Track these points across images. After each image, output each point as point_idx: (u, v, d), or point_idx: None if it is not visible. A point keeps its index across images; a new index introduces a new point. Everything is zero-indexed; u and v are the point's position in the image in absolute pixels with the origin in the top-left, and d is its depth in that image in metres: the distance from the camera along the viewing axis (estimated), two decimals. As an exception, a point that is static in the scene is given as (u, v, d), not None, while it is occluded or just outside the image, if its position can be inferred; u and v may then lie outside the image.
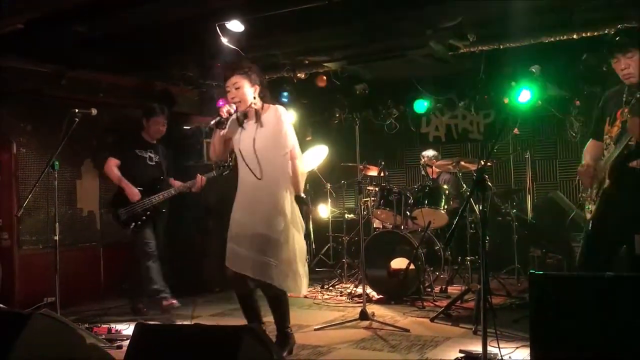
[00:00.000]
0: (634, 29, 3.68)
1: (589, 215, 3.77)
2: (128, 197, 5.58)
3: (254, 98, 4.03)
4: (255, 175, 3.97)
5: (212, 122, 4.03)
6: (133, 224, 5.58)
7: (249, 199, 4.03)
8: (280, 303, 4.11)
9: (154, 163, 5.80)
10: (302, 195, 4.10)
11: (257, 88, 4.04)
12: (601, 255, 3.67)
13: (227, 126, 4.06)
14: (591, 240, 3.76)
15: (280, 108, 4.10)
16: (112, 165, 5.68)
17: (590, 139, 3.94)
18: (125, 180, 5.61)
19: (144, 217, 5.58)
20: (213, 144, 4.19)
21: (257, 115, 4.04)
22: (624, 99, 3.63)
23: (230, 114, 4.02)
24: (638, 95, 3.50)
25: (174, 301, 5.54)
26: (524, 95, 6.59)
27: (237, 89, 3.99)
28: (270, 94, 4.20)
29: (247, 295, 4.14)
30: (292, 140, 4.06)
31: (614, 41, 3.63)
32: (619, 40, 3.61)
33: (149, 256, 5.61)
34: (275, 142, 3.99)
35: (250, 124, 4.08)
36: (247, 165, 4.00)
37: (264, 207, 3.95)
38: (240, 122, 4.09)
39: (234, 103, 4.01)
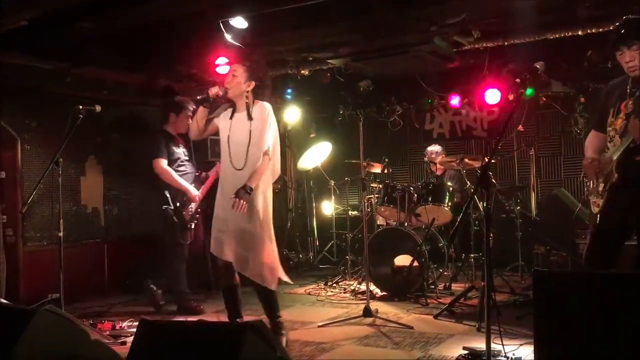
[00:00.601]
0: (638, 21, 3.65)
1: (596, 209, 3.75)
2: (190, 199, 5.50)
3: (246, 92, 4.12)
4: (234, 166, 4.08)
5: (199, 97, 4.14)
6: (191, 224, 5.54)
7: (228, 192, 4.09)
8: (268, 293, 4.19)
9: (187, 158, 5.71)
10: (250, 187, 4.00)
11: (253, 84, 4.12)
12: (609, 248, 3.67)
13: (210, 107, 4.17)
14: (599, 234, 3.74)
15: (266, 105, 4.18)
16: (164, 165, 5.45)
17: (592, 130, 3.93)
18: (182, 181, 5.48)
19: (197, 216, 5.57)
20: (195, 119, 4.26)
21: (248, 109, 4.13)
22: (627, 91, 3.62)
23: (218, 95, 4.12)
24: None
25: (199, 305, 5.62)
26: (527, 92, 6.56)
27: (233, 76, 4.12)
28: (270, 94, 4.27)
29: (233, 288, 4.24)
30: (272, 140, 4.12)
31: (619, 34, 3.62)
32: (624, 32, 3.60)
33: (184, 258, 5.60)
34: (258, 137, 4.08)
35: (241, 117, 4.16)
36: (230, 156, 4.11)
37: (248, 202, 4.00)
38: (230, 113, 4.19)
39: (226, 88, 4.12)
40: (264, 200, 4.14)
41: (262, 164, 4.08)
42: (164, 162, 5.47)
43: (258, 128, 4.09)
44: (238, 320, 4.24)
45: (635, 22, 3.64)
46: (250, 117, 4.11)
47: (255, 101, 4.17)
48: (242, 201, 3.92)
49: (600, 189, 3.71)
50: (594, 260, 3.71)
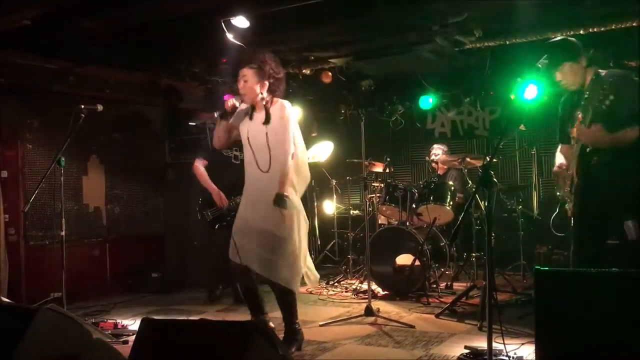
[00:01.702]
0: (558, 42, 3.96)
1: (570, 213, 3.87)
2: (215, 201, 5.66)
3: (261, 93, 4.05)
4: (260, 169, 4.01)
5: (217, 114, 4.16)
6: (218, 224, 5.70)
7: (257, 195, 4.04)
8: (287, 299, 4.12)
9: (239, 162, 5.65)
10: (284, 193, 3.93)
11: (266, 84, 4.05)
12: (591, 249, 3.75)
13: (231, 118, 4.13)
14: (577, 236, 3.84)
15: (285, 103, 4.11)
16: (198, 167, 5.71)
17: (560, 144, 4.06)
18: (212, 185, 5.64)
19: (229, 218, 5.50)
20: (217, 133, 4.24)
21: (266, 109, 4.05)
22: (575, 101, 3.81)
23: (235, 107, 4.08)
24: (585, 96, 3.66)
25: None
26: (531, 91, 6.55)
27: (245, 81, 4.04)
28: (284, 87, 4.22)
29: (252, 288, 4.16)
30: (297, 138, 4.08)
31: (547, 58, 3.80)
32: (547, 57, 3.79)
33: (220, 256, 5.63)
34: (277, 138, 4.00)
35: (258, 117, 4.10)
36: (255, 158, 4.03)
37: (268, 204, 3.93)
38: (249, 114, 4.12)
39: (241, 94, 4.06)
40: (296, 209, 4.03)
41: (289, 167, 3.98)
42: (198, 163, 5.73)
43: (278, 128, 4.00)
44: (262, 316, 4.17)
45: (556, 43, 3.92)
46: (267, 118, 4.02)
47: (275, 99, 4.10)
48: (282, 209, 3.87)
49: (568, 192, 3.85)
50: (579, 260, 3.79)
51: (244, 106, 4.14)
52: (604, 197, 3.66)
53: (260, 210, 3.99)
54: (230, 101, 4.08)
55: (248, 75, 4.02)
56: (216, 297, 6.11)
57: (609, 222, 3.72)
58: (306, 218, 4.16)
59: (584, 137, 3.67)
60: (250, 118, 4.12)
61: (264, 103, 4.06)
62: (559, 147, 4.06)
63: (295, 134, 4.08)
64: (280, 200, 3.88)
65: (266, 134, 4.00)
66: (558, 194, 3.97)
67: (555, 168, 4.00)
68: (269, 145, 3.99)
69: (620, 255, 3.72)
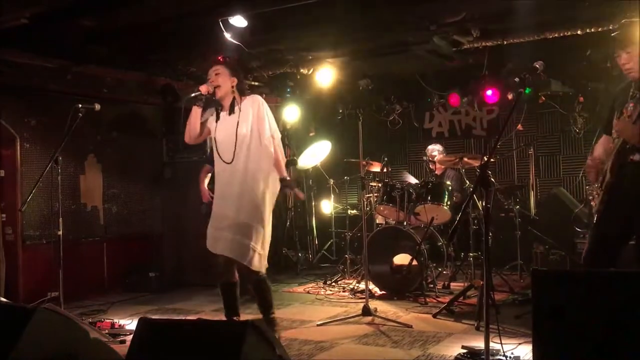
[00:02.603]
0: (633, 24, 3.67)
1: (595, 209, 3.76)
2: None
3: (232, 87, 4.20)
4: (223, 161, 4.12)
5: (191, 95, 4.18)
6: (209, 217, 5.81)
7: (225, 188, 4.15)
8: (261, 289, 4.23)
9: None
10: (286, 177, 4.20)
11: (235, 80, 4.21)
12: (608, 248, 3.67)
13: (203, 104, 4.21)
14: (597, 233, 3.75)
15: (258, 97, 4.27)
16: (202, 171, 5.91)
17: (603, 134, 3.93)
18: (202, 184, 5.84)
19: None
20: (189, 122, 4.26)
21: (233, 104, 4.19)
22: (630, 94, 3.63)
23: (208, 93, 4.16)
24: None
25: None
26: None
27: (217, 74, 4.19)
28: (246, 89, 4.34)
29: (230, 285, 4.25)
30: (273, 126, 4.21)
31: (614, 37, 3.65)
32: (618, 35, 3.65)
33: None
34: (256, 128, 4.14)
35: (226, 114, 4.22)
36: (219, 153, 4.15)
37: (245, 194, 4.08)
38: (217, 112, 4.23)
39: (214, 86, 4.18)
40: (270, 193, 4.18)
41: (276, 151, 4.17)
42: (203, 169, 5.91)
43: (255, 119, 4.15)
44: (235, 318, 4.25)
45: (629, 25, 3.65)
46: (239, 112, 4.16)
47: (243, 97, 4.24)
48: (296, 190, 4.20)
49: (597, 188, 3.73)
50: (592, 261, 3.71)
51: (212, 109, 4.26)
52: (633, 197, 3.54)
53: (231, 202, 4.09)
54: (205, 86, 4.17)
55: (220, 69, 4.20)
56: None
57: (633, 224, 3.61)
58: (275, 191, 4.25)
59: (625, 133, 3.52)
60: (217, 117, 4.24)
61: (232, 96, 4.20)
62: (602, 138, 3.92)
63: (271, 120, 4.22)
64: (286, 182, 4.14)
65: (237, 123, 4.13)
66: (587, 187, 3.89)
67: (588, 160, 3.85)
68: (236, 136, 4.09)
69: (636, 258, 3.69)
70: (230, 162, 4.10)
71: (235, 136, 4.09)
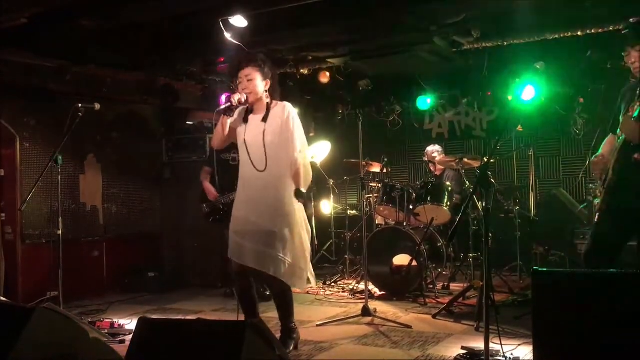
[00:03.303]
0: None
1: (597, 207, 3.76)
2: (207, 195, 6.06)
3: (265, 92, 4.04)
4: (255, 168, 3.97)
5: (222, 107, 3.99)
6: (212, 217, 6.04)
7: (253, 194, 4.02)
8: (284, 299, 4.13)
9: (236, 163, 5.77)
10: (302, 189, 4.01)
11: (268, 82, 4.05)
12: (609, 248, 3.66)
13: (234, 114, 4.04)
14: (598, 232, 3.74)
15: (289, 105, 4.10)
16: (203, 172, 6.17)
17: (610, 134, 3.92)
18: (205, 182, 6.09)
19: (221, 212, 5.88)
20: (217, 130, 4.08)
21: (267, 109, 4.03)
22: (637, 93, 3.62)
23: (240, 103, 3.98)
24: None
25: None
26: (528, 92, 6.58)
27: (249, 80, 3.99)
28: (277, 89, 4.19)
29: (248, 290, 4.15)
30: (302, 139, 4.07)
31: (624, 35, 3.64)
32: (628, 33, 3.63)
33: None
34: (284, 138, 3.98)
35: (256, 118, 4.07)
36: (251, 158, 3.99)
37: (269, 202, 3.95)
38: (246, 116, 4.09)
39: (246, 94, 3.99)
40: (294, 203, 4.02)
41: (300, 164, 3.98)
42: (204, 170, 6.17)
43: (283, 129, 3.99)
44: (255, 321, 4.15)
45: (638, 23, 3.64)
46: (270, 119, 4.00)
47: (275, 102, 4.10)
48: (307, 202, 4.00)
49: (600, 187, 3.72)
50: (592, 260, 3.70)
51: (244, 106, 4.10)
52: (635, 197, 3.54)
53: (257, 209, 3.97)
54: (237, 95, 3.97)
55: (252, 74, 3.99)
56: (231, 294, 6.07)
57: (635, 224, 3.60)
58: (308, 226, 4.13)
59: (627, 131, 3.50)
60: (246, 120, 4.08)
61: (267, 102, 4.05)
62: (608, 137, 3.90)
63: (301, 134, 4.07)
64: (300, 194, 3.95)
65: (263, 131, 3.98)
66: (591, 186, 3.88)
67: (594, 158, 3.83)
68: (264, 144, 3.96)
69: (638, 257, 3.68)
70: (263, 170, 3.95)
71: (263, 143, 3.95)
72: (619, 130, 3.69)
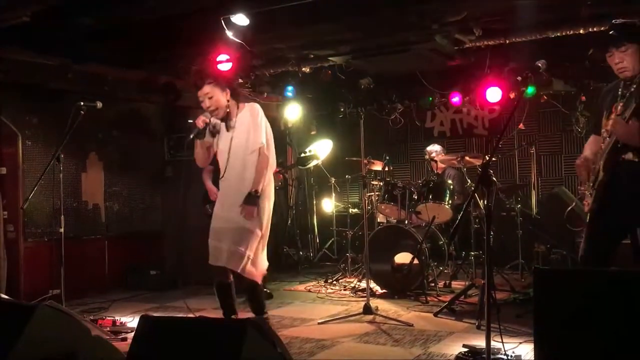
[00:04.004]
0: (627, 23, 3.67)
1: (586, 208, 3.77)
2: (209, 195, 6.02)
3: (227, 102, 4.18)
4: (224, 176, 4.17)
5: (191, 136, 4.17)
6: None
7: (225, 196, 4.20)
8: (255, 292, 4.26)
9: None
10: (255, 192, 4.08)
11: (229, 92, 4.20)
12: (602, 247, 3.67)
13: (205, 135, 4.22)
14: (591, 233, 3.75)
15: (255, 105, 4.26)
16: (205, 171, 6.04)
17: (592, 135, 3.95)
18: (207, 182, 6.02)
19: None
20: (197, 153, 4.31)
21: (228, 115, 4.20)
22: (619, 93, 3.65)
23: (206, 123, 4.16)
24: (632, 89, 3.52)
25: None
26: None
27: (209, 98, 4.15)
28: (243, 90, 4.34)
29: (225, 285, 4.26)
30: (263, 136, 4.16)
31: (608, 35, 3.65)
32: (612, 34, 3.63)
33: None
34: (249, 139, 4.14)
35: (224, 127, 4.24)
36: (221, 167, 4.20)
37: (234, 200, 4.09)
38: (218, 128, 4.24)
39: (210, 112, 4.17)
40: (267, 199, 4.20)
41: (260, 162, 4.11)
42: (206, 168, 5.98)
43: (251, 131, 4.14)
44: (233, 317, 4.26)
45: (623, 24, 3.65)
46: (237, 123, 4.17)
47: (242, 105, 4.24)
48: (252, 207, 4.04)
49: (590, 188, 3.74)
50: (588, 260, 3.72)
51: (213, 121, 4.23)
52: (627, 196, 3.54)
53: (232, 211, 4.11)
54: (201, 118, 4.15)
55: (210, 91, 4.13)
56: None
57: (628, 223, 3.62)
58: (271, 196, 4.27)
59: (618, 130, 3.50)
60: (227, 129, 4.23)
61: (227, 111, 4.19)
62: (590, 138, 3.92)
63: (267, 131, 4.20)
64: (250, 199, 4.05)
65: (231, 139, 4.15)
66: (580, 188, 3.89)
67: (577, 160, 3.85)
68: (229, 150, 4.14)
69: (632, 258, 3.68)
70: (231, 176, 4.15)
71: (229, 148, 4.14)
72: (604, 131, 3.70)
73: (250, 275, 4.11)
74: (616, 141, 3.56)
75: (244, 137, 4.14)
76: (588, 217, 3.75)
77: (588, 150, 3.88)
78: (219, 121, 4.23)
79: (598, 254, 3.64)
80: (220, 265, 4.13)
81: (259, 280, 4.22)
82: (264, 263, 4.28)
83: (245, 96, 4.37)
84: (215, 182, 6.09)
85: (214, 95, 4.13)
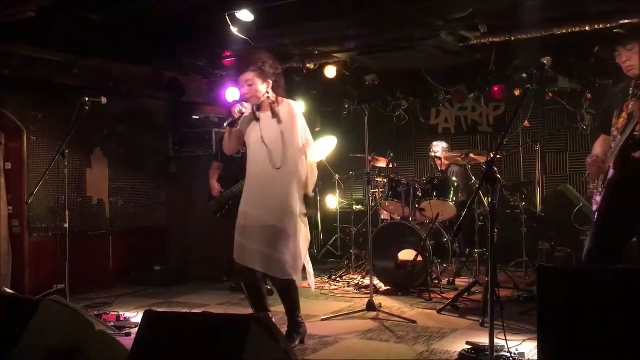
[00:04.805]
0: (635, 23, 3.70)
1: (595, 207, 3.76)
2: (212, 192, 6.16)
3: (267, 93, 4.09)
4: (272, 166, 4.02)
5: (226, 124, 4.16)
6: (219, 213, 6.11)
7: (260, 192, 4.06)
8: (289, 293, 4.14)
9: (240, 155, 5.81)
10: (310, 194, 4.10)
11: (270, 83, 4.09)
12: (609, 247, 3.65)
13: (238, 124, 4.16)
14: (598, 231, 3.74)
15: (292, 103, 4.19)
16: (212, 168, 6.25)
17: (601, 134, 3.93)
18: (212, 180, 6.17)
19: (227, 206, 5.97)
20: (226, 140, 4.26)
21: (272, 108, 4.09)
22: (630, 93, 3.64)
23: (242, 113, 4.09)
24: None
25: None
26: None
27: (249, 85, 4.05)
28: (283, 84, 4.26)
29: (255, 285, 4.17)
30: (305, 135, 4.12)
31: (615, 34, 3.65)
32: (620, 33, 3.67)
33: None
34: (289, 136, 4.03)
35: (264, 116, 4.12)
36: (270, 156, 4.03)
37: (275, 200, 3.99)
38: (254, 116, 4.15)
39: (246, 100, 4.10)
40: (300, 199, 4.09)
41: (304, 165, 4.06)
42: (212, 165, 6.25)
43: (288, 126, 4.05)
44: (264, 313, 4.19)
45: (631, 23, 3.67)
46: (277, 117, 4.06)
47: (280, 99, 4.14)
48: (313, 210, 4.12)
49: (599, 186, 3.73)
50: (592, 257, 3.70)
51: (247, 111, 4.17)
52: (635, 195, 3.53)
53: (265, 206, 4.01)
54: (237, 107, 4.08)
55: (252, 79, 4.04)
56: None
57: (636, 221, 3.59)
58: (306, 220, 4.17)
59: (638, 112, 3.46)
60: (257, 119, 4.13)
61: (270, 103, 4.09)
62: (599, 138, 3.91)
63: (306, 131, 4.13)
64: (308, 201, 4.06)
65: (281, 132, 4.03)
66: (590, 186, 3.89)
67: (588, 159, 3.84)
68: (284, 143, 4.01)
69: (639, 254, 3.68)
70: (279, 168, 4.00)
71: (283, 142, 4.01)
72: (614, 130, 3.68)
73: (285, 276, 3.99)
74: (627, 138, 3.55)
75: (282, 131, 4.02)
76: (596, 215, 3.74)
77: (598, 148, 3.87)
78: (257, 112, 4.14)
79: (604, 252, 3.63)
80: (247, 265, 4.01)
81: (296, 279, 4.06)
82: (301, 262, 4.10)
83: (282, 90, 4.22)
84: (222, 180, 6.14)
85: (254, 84, 4.04)
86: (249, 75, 4.04)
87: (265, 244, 3.95)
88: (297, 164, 4.03)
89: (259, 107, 4.15)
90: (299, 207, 4.04)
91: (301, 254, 4.06)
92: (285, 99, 4.18)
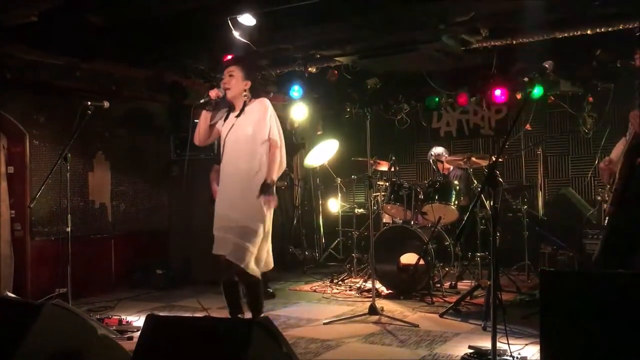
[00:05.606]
0: None
1: (607, 212, 3.75)
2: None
3: (244, 91, 4.26)
4: (232, 165, 4.20)
5: (200, 102, 4.28)
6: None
7: (230, 190, 4.23)
8: (255, 290, 4.28)
9: None
10: (271, 180, 4.18)
11: (249, 83, 4.28)
12: (619, 253, 3.64)
13: (212, 108, 4.29)
14: (609, 237, 3.74)
15: (265, 100, 4.32)
16: (213, 171, 6.20)
17: (622, 137, 3.90)
18: (212, 182, 6.04)
19: None
20: (198, 125, 4.36)
21: (244, 106, 4.25)
22: None
23: (219, 97, 4.24)
24: None
25: None
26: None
27: (230, 76, 4.25)
28: (263, 91, 4.40)
29: (232, 284, 4.29)
30: (274, 130, 4.24)
31: (635, 37, 3.65)
32: (638, 35, 3.63)
33: None
34: (257, 131, 4.19)
35: (233, 116, 4.28)
36: (226, 156, 4.22)
37: (244, 198, 4.15)
38: (226, 115, 4.30)
39: (225, 89, 4.25)
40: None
41: (272, 153, 4.21)
42: (213, 168, 6.11)
43: (257, 121, 4.20)
44: (239, 315, 4.28)
45: None
46: (246, 115, 4.22)
47: (252, 99, 4.30)
48: (270, 197, 4.13)
49: (608, 191, 3.72)
50: (604, 265, 3.69)
51: (223, 110, 4.32)
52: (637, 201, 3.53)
53: (236, 206, 4.17)
54: (215, 90, 4.25)
55: (235, 71, 4.25)
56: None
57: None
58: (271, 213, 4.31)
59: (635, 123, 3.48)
60: (226, 118, 4.29)
61: (244, 100, 4.26)
62: (620, 141, 3.88)
63: (275, 125, 4.26)
64: (267, 189, 4.12)
65: (253, 132, 4.19)
66: (600, 190, 3.88)
67: (602, 164, 3.86)
68: (255, 142, 4.18)
69: None
70: (245, 166, 4.17)
71: (229, 135, 4.19)
72: (628, 133, 3.67)
73: (252, 272, 4.15)
74: (632, 144, 3.55)
75: (251, 128, 4.19)
76: (606, 221, 3.74)
77: (614, 152, 3.87)
78: (230, 103, 4.29)
79: (613, 260, 3.61)
80: (222, 254, 4.16)
81: (259, 276, 4.24)
82: (268, 262, 4.32)
83: (260, 94, 4.42)
84: None
85: (235, 77, 4.24)
86: (233, 68, 4.27)
87: (238, 235, 4.11)
88: (261, 160, 4.18)
89: (232, 108, 4.30)
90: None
91: (265, 255, 4.26)
92: (260, 98, 4.33)
